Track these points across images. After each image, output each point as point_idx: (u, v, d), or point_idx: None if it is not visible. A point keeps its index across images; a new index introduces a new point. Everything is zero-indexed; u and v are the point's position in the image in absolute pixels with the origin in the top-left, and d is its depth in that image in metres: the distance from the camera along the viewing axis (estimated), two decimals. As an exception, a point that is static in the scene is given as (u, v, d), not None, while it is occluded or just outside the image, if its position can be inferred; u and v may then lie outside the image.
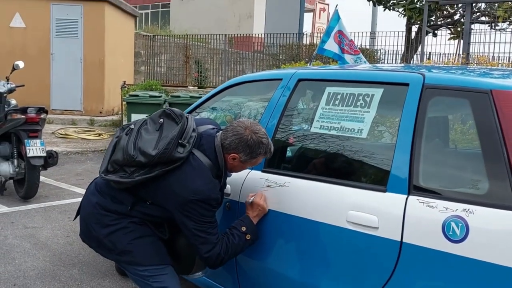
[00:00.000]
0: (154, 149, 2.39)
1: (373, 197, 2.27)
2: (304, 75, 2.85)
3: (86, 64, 12.28)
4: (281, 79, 2.93)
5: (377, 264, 2.21)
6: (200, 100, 3.45)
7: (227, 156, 2.51)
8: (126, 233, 2.56)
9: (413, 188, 2.16)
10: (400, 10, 10.63)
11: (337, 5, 6.13)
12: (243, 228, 2.58)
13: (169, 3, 32.99)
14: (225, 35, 15.45)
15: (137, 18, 15.96)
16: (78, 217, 2.78)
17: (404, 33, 12.24)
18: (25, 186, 6.01)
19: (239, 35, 16.39)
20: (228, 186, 2.90)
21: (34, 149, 5.89)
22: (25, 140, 5.90)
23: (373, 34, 13.71)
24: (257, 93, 3.21)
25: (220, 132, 2.56)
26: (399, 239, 2.13)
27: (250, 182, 2.81)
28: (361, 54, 6.11)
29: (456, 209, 1.99)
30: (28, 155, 5.81)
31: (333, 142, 2.60)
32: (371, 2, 11.08)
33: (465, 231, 1.94)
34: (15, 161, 6.07)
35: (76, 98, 12.41)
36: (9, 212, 5.72)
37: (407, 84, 2.34)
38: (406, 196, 2.17)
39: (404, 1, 10.52)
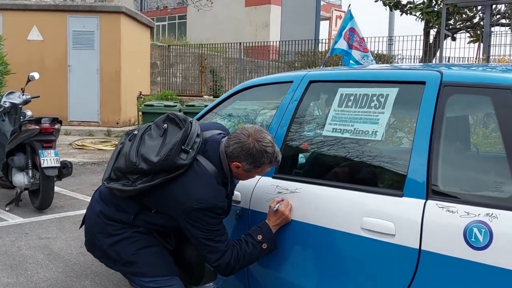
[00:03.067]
0: (157, 156, 2.30)
1: (388, 203, 2.14)
2: (315, 77, 2.74)
3: (103, 75, 12.35)
4: (291, 82, 2.83)
5: (394, 273, 2.08)
6: (209, 107, 3.35)
7: (230, 163, 2.41)
8: (131, 243, 2.46)
9: (432, 192, 2.03)
10: (418, 14, 10.45)
11: (349, 5, 6.03)
12: (259, 237, 2.46)
13: (186, 15, 33.25)
14: (240, 43, 15.43)
15: (153, 29, 16.04)
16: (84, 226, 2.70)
17: (422, 37, 12.05)
18: (40, 197, 5.99)
19: (254, 43, 16.33)
20: (237, 193, 2.80)
21: (48, 159, 5.87)
22: (39, 151, 5.88)
23: (390, 39, 13.53)
24: (267, 97, 3.11)
25: (226, 138, 2.45)
26: (417, 247, 2.00)
27: (261, 188, 2.70)
28: (369, 52, 6.01)
29: (479, 214, 1.86)
30: (42, 166, 5.79)
31: (346, 145, 2.48)
32: (387, 7, 10.94)
33: (489, 237, 1.81)
34: (30, 172, 6.06)
35: (93, 109, 12.47)
36: (23, 223, 5.69)
37: (423, 83, 2.21)
38: (424, 200, 2.04)
39: (422, 5, 10.34)
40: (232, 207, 2.83)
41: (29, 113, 6.96)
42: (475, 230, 1.84)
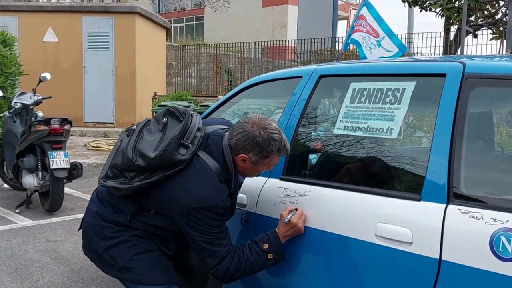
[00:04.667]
0: (154, 151, 2.14)
1: (405, 207, 1.94)
2: (326, 71, 2.55)
3: (118, 76, 12.29)
4: (301, 77, 2.64)
5: (411, 286, 1.88)
6: (215, 105, 3.18)
7: (236, 157, 2.22)
8: (128, 247, 2.30)
9: (453, 196, 1.83)
10: (438, 10, 10.14)
11: None
12: (265, 246, 2.27)
13: (203, 16, 33.24)
14: (254, 42, 15.24)
15: (169, 29, 15.96)
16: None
17: (442, 34, 11.72)
18: (50, 199, 5.89)
19: (270, 43, 16.13)
20: (243, 196, 2.63)
21: (58, 160, 5.76)
22: (49, 152, 5.78)
23: (409, 37, 13.20)
24: (276, 93, 2.93)
25: (228, 131, 2.27)
26: (437, 257, 1.80)
27: (268, 191, 2.52)
28: (383, 39, 5.63)
29: (507, 221, 1.65)
30: (51, 167, 5.69)
31: (358, 144, 2.29)
32: (406, 3, 10.65)
33: (519, 247, 1.60)
34: (40, 173, 5.96)
35: (108, 110, 12.41)
36: (32, 225, 5.59)
37: (444, 75, 2.01)
38: (444, 205, 1.84)
39: (442, 1, 10.04)
40: (237, 211, 2.67)
41: (40, 114, 6.87)
42: (503, 238, 1.64)
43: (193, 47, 16.03)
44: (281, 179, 2.50)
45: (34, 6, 12.46)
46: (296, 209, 2.29)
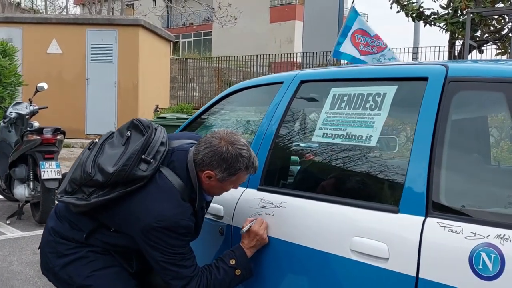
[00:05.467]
0: (114, 166, 2.00)
1: (382, 220, 1.80)
2: (307, 76, 2.42)
3: (120, 88, 12.27)
4: (282, 82, 2.52)
5: (387, 306, 1.73)
6: (193, 116, 3.05)
7: (201, 174, 2.07)
8: (85, 263, 2.14)
9: (432, 208, 1.68)
10: (441, 24, 10.01)
11: (353, 2, 5.57)
12: (232, 262, 2.13)
13: (211, 31, 33.41)
14: (257, 55, 15.19)
15: (174, 43, 15.99)
16: None
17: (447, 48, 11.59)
18: (40, 210, 5.78)
19: (274, 56, 16.04)
20: (220, 207, 2.49)
21: (49, 171, 5.66)
22: (40, 162, 5.69)
23: (416, 50, 13.07)
24: (257, 100, 2.80)
25: (195, 145, 2.13)
26: (414, 274, 1.65)
27: (244, 202, 2.38)
28: (386, 50, 5.43)
29: (488, 235, 1.50)
30: (42, 177, 5.59)
31: (336, 152, 2.15)
32: (410, 17, 10.54)
33: (500, 264, 1.45)
34: (31, 183, 5.86)
35: (110, 122, 12.35)
36: (21, 237, 5.48)
37: (426, 79, 1.88)
38: (423, 218, 1.69)
39: (446, 15, 9.92)
40: (214, 223, 2.53)
41: (36, 124, 6.78)
42: (483, 255, 1.49)
43: (196, 61, 16.01)
44: (258, 189, 2.36)
45: (39, 18, 12.55)
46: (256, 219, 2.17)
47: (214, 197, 2.36)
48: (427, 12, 10.43)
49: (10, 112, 6.55)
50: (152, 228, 1.97)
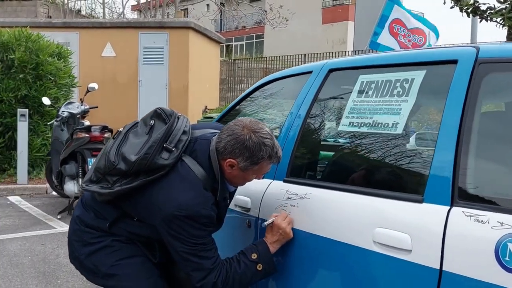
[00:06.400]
0: (136, 155, 1.99)
1: (405, 210, 1.71)
2: (335, 64, 2.35)
3: (171, 90, 12.48)
4: (311, 72, 2.46)
5: (411, 300, 1.63)
6: (228, 107, 3.04)
7: (223, 163, 2.03)
8: (110, 253, 2.15)
9: (458, 197, 1.58)
10: (499, 19, 9.54)
11: None
12: (254, 256, 2.08)
13: (263, 34, 33.51)
14: (304, 55, 15.05)
15: (225, 46, 16.12)
16: None
17: (506, 46, 11.01)
18: (88, 206, 5.94)
19: (322, 55, 15.81)
20: (247, 199, 2.46)
21: (96, 168, 5.81)
22: (88, 159, 5.88)
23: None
24: (287, 91, 2.74)
25: (217, 134, 2.09)
26: (437, 267, 1.55)
27: (271, 194, 2.34)
28: (427, 43, 5.08)
29: (516, 225, 1.39)
30: (90, 174, 5.74)
31: (362, 141, 2.07)
32: (464, 13, 10.10)
33: (527, 256, 1.33)
34: (80, 180, 6.05)
35: (161, 123, 12.59)
36: (70, 231, 5.65)
37: (455, 61, 1.77)
38: (448, 207, 1.59)
39: (503, 10, 9.44)
40: (241, 215, 2.50)
41: (87, 123, 7.02)
42: (510, 246, 1.37)
43: (244, 62, 16.07)
44: (284, 181, 2.31)
45: (94, 22, 12.97)
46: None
47: (242, 189, 2.32)
48: (483, 7, 9.97)
49: (63, 111, 6.81)
50: (174, 217, 1.95)
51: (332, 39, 28.67)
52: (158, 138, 2.01)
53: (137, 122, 2.21)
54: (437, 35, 5.35)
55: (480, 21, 10.33)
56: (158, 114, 2.14)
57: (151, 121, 2.13)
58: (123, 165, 2.02)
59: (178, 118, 2.10)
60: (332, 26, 29.30)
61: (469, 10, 10.04)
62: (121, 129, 2.20)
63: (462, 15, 10.30)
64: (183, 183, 2.00)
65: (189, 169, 2.03)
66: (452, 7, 10.21)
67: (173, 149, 2.02)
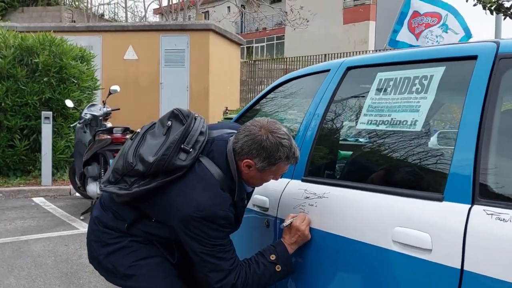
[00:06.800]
0: (154, 156, 2.00)
1: (425, 208, 1.67)
2: (353, 62, 2.33)
3: (192, 92, 12.55)
4: (329, 70, 2.44)
5: (431, 300, 1.60)
6: (247, 106, 3.03)
7: (240, 163, 2.03)
8: (127, 253, 2.16)
9: (479, 195, 1.54)
10: (524, 17, 9.37)
11: None
12: (272, 257, 2.07)
13: (284, 35, 33.48)
14: (324, 55, 14.99)
15: (246, 48, 16.14)
16: None
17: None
18: (110, 207, 6.01)
19: (341, 55, 15.72)
20: (266, 199, 2.45)
21: (118, 169, 5.87)
22: (110, 160, 5.93)
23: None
24: (305, 90, 2.72)
25: (234, 134, 2.09)
26: (458, 266, 1.52)
27: (289, 194, 2.32)
28: (436, 26, 4.89)
29: (539, 223, 1.35)
30: (111, 175, 5.80)
31: (380, 139, 2.04)
32: (487, 10, 9.91)
33: (551, 255, 1.29)
34: (102, 181, 6.11)
35: (182, 125, 12.67)
36: (93, 232, 5.71)
37: (475, 57, 1.73)
38: (469, 205, 1.55)
39: (529, 7, 9.25)
40: (260, 215, 2.49)
41: (109, 125, 7.11)
42: (533, 245, 1.34)
43: (265, 63, 16.07)
44: (302, 180, 2.29)
45: (116, 26, 13.13)
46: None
47: (260, 188, 2.31)
48: (507, 4, 9.77)
49: (85, 113, 6.91)
50: (191, 218, 1.95)
51: (354, 39, 28.46)
52: (175, 139, 2.01)
53: (155, 123, 2.21)
54: (468, 32, 5.20)
55: (504, 19, 10.14)
56: (175, 115, 2.14)
57: (169, 122, 2.13)
58: (141, 166, 2.02)
59: (195, 119, 2.10)
60: (353, 26, 29.11)
61: (492, 8, 9.88)
62: (138, 130, 2.21)
63: (486, 13, 10.14)
64: (201, 184, 2.00)
65: (206, 170, 2.02)
66: (475, 5, 10.04)
67: (191, 150, 2.02)
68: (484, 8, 10.02)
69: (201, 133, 2.08)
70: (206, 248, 1.98)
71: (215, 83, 12.81)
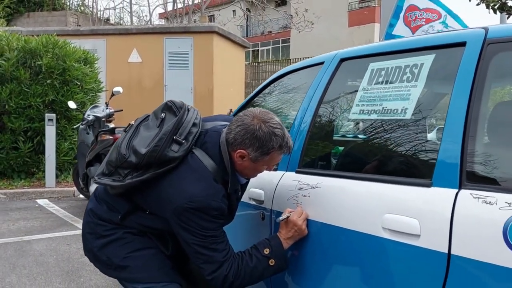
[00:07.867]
0: (146, 147, 2.00)
1: (413, 194, 1.67)
2: (346, 54, 2.33)
3: (196, 94, 12.59)
4: (323, 63, 2.44)
5: (421, 285, 1.60)
6: (245, 100, 3.05)
7: (233, 154, 2.03)
8: (121, 245, 2.17)
9: (466, 179, 1.54)
10: (527, 15, 9.34)
11: None
12: (266, 251, 2.07)
13: (289, 38, 33.53)
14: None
15: (252, 51, 16.17)
16: None
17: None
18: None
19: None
20: (261, 191, 2.45)
21: (120, 169, 5.90)
22: (112, 160, 5.95)
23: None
24: (301, 83, 2.73)
25: (227, 125, 2.09)
26: (446, 251, 1.52)
27: (283, 186, 2.33)
28: (437, 22, 4.83)
29: (524, 205, 1.35)
30: (114, 176, 5.83)
31: (371, 128, 2.04)
32: (491, 9, 9.90)
33: (535, 235, 1.29)
34: (105, 181, 6.13)
35: (186, 127, 12.69)
36: (95, 231, 5.74)
37: (464, 44, 1.74)
38: (456, 190, 1.55)
39: (532, 5, 9.23)
40: (255, 208, 2.50)
41: (111, 126, 7.14)
42: (518, 226, 1.33)
43: (268, 65, 16.09)
44: (296, 171, 2.30)
45: (120, 29, 13.19)
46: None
47: (256, 181, 2.31)
48: (510, 3, 9.76)
49: (88, 115, 6.94)
50: (184, 209, 1.95)
51: (359, 42, 28.43)
52: (167, 130, 2.02)
53: (149, 115, 2.22)
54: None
55: (508, 17, 10.13)
56: (168, 107, 2.15)
57: (162, 114, 2.14)
58: (133, 157, 2.03)
59: (188, 111, 2.11)
60: (359, 28, 29.14)
61: (496, 7, 9.88)
62: (132, 122, 2.22)
63: (489, 12, 10.14)
64: (194, 175, 2.00)
65: (199, 161, 2.03)
66: (478, 4, 10.04)
67: (183, 141, 2.02)
68: (487, 7, 10.04)
69: (194, 124, 2.09)
70: (199, 239, 1.98)
71: (219, 85, 12.84)
